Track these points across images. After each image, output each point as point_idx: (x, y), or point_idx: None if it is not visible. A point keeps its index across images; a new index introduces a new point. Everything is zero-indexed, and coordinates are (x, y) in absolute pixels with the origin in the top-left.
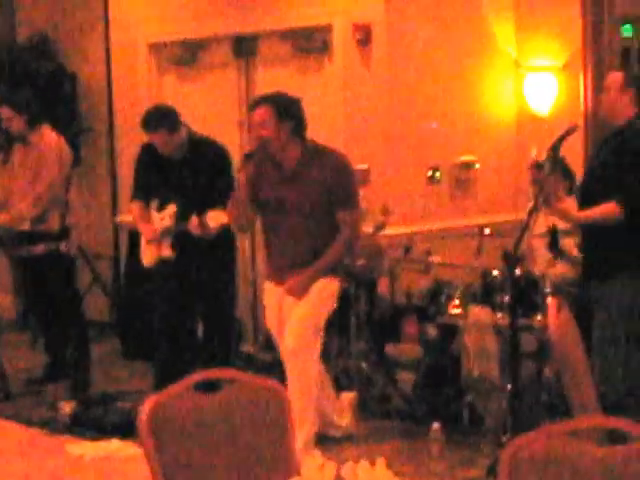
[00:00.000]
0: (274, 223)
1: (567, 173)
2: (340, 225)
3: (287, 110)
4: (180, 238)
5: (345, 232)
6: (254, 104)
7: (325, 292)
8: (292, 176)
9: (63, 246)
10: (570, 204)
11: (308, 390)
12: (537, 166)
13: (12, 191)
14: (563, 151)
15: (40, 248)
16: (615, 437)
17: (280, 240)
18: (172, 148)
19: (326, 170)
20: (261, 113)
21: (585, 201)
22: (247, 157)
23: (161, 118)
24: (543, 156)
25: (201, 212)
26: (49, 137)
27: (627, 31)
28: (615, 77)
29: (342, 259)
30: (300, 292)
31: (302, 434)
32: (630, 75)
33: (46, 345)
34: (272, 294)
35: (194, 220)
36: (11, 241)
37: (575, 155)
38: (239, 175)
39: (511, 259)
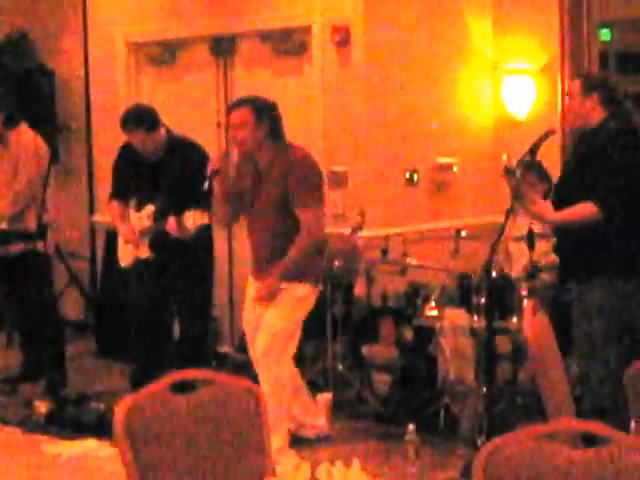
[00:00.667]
0: (250, 220)
1: (544, 176)
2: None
3: (265, 112)
4: (158, 238)
5: (302, 233)
6: (232, 106)
7: (293, 297)
8: (264, 175)
9: (41, 245)
10: (546, 206)
11: (279, 393)
12: (508, 172)
13: None
14: (541, 155)
15: (18, 247)
16: (589, 440)
17: (255, 236)
18: (151, 148)
19: (288, 167)
20: (240, 114)
21: (560, 203)
22: (215, 173)
23: (140, 118)
24: (514, 161)
25: (179, 213)
26: (26, 135)
27: (605, 35)
28: (575, 84)
29: (306, 260)
30: (268, 298)
31: (276, 436)
32: (590, 79)
33: (21, 344)
34: (251, 288)
35: (171, 220)
36: None
37: (552, 159)
38: (213, 171)
39: (488, 263)
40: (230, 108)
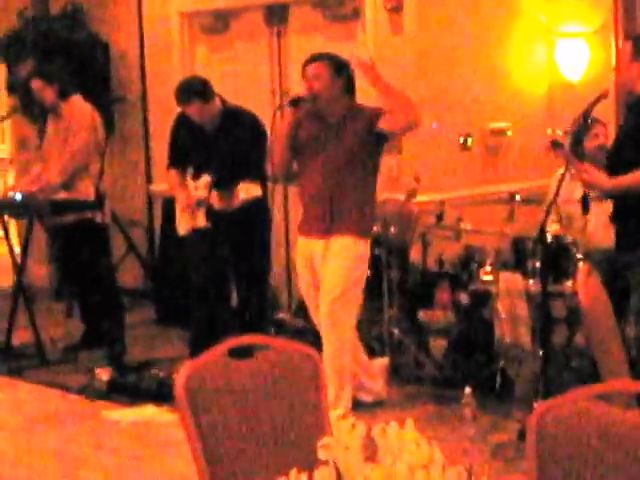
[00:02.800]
0: (312, 175)
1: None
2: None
3: (341, 68)
4: (214, 208)
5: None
6: (310, 59)
7: (353, 255)
8: (335, 128)
9: (99, 216)
10: (599, 175)
11: (342, 355)
12: (555, 145)
13: (48, 163)
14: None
15: (71, 217)
16: None
17: (317, 191)
18: (206, 118)
19: (369, 118)
20: (317, 67)
21: (614, 170)
22: (293, 102)
23: (193, 90)
24: (559, 132)
25: (233, 183)
26: (80, 106)
27: None
28: (625, 47)
29: (363, 217)
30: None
31: (340, 403)
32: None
33: (81, 313)
34: (303, 248)
35: (214, 194)
36: (46, 211)
37: (607, 122)
38: (282, 119)
39: (542, 226)
40: (307, 61)
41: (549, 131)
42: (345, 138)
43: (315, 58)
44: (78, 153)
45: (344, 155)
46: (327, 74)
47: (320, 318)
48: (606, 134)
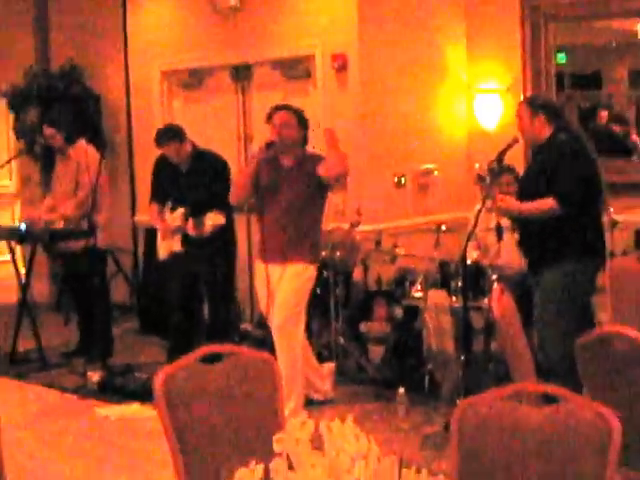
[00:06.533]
0: (267, 210)
1: (517, 178)
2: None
3: (303, 121)
4: (188, 235)
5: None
6: (279, 107)
7: (306, 277)
8: (288, 174)
9: (99, 242)
10: (512, 201)
11: (294, 360)
12: (480, 178)
13: (56, 197)
14: (508, 160)
15: (79, 244)
16: (549, 399)
17: (273, 224)
18: (182, 158)
19: (315, 164)
20: (286, 116)
21: (522, 200)
22: (268, 145)
23: (170, 134)
24: (484, 169)
25: (202, 214)
26: (86, 149)
27: (561, 59)
28: (522, 107)
29: (316, 248)
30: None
31: (292, 400)
32: (535, 101)
33: (79, 323)
34: (261, 271)
35: (190, 223)
36: (45, 238)
37: (518, 163)
38: (253, 158)
39: (463, 252)
40: (277, 109)
41: (476, 166)
42: (300, 184)
43: (283, 108)
44: (90, 189)
45: (299, 197)
46: (294, 124)
47: (274, 328)
48: (511, 181)
